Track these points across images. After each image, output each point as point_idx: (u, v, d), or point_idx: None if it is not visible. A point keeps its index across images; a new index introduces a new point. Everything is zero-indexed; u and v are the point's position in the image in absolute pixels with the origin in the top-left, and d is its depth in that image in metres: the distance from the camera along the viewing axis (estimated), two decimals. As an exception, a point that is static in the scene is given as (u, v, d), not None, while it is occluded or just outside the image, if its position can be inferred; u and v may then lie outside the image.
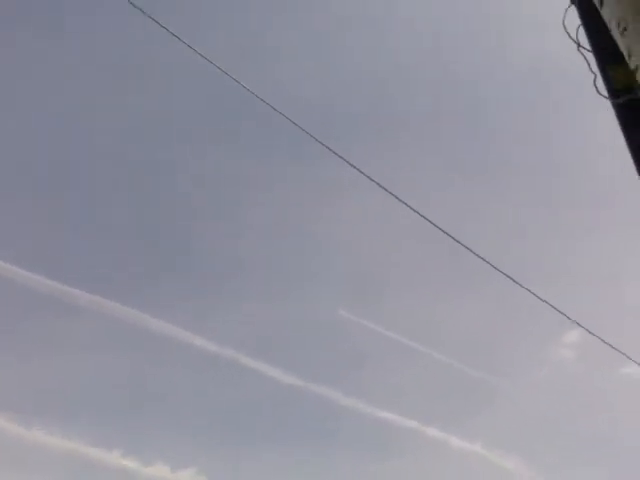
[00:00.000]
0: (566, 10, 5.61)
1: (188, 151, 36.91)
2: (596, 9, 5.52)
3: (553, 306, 7.69)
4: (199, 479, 28.45)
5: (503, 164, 39.01)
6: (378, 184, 6.92)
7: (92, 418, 29.97)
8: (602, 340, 8.81)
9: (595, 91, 5.46)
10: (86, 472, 27.64)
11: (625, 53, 5.19)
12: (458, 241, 7.14)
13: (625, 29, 5.15)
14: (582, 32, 5.57)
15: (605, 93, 5.49)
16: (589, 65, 5.52)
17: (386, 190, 6.87)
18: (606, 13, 5.35)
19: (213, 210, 37.14)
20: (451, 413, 32.95)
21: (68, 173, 35.79)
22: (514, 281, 7.36)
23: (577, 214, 37.45)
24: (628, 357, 8.89)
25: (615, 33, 5.21)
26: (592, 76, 5.48)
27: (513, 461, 29.72)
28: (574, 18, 5.60)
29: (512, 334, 35.64)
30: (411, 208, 7.25)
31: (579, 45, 5.57)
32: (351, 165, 6.55)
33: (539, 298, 7.53)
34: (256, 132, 37.24)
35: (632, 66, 5.10)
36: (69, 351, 32.18)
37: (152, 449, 28.70)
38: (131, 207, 36.66)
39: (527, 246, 36.28)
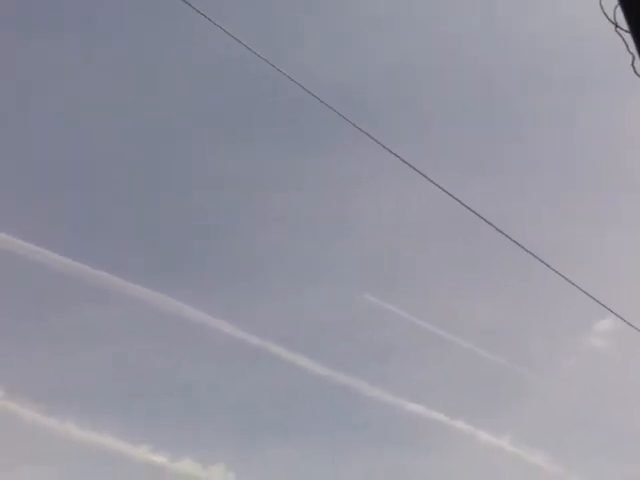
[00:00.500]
0: (603, -10, 5.51)
1: (219, 146, 37.16)
2: (634, -11, 5.42)
3: (586, 292, 7.59)
4: (228, 475, 28.31)
5: (535, 151, 38.61)
6: (406, 162, 6.86)
7: (121, 411, 29.89)
8: (635, 328, 8.71)
9: (633, 72, 5.37)
10: (115, 466, 27.76)
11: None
12: (489, 222, 7.06)
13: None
14: (620, 12, 5.47)
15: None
16: (627, 46, 5.42)
17: (415, 169, 6.80)
18: (645, -7, 5.26)
19: (244, 202, 37.33)
20: (479, 406, 32.30)
21: (108, 168, 36.24)
22: (546, 264, 7.27)
23: (614, 201, 36.78)
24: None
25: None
26: (630, 57, 5.39)
27: (541, 457, 29.11)
28: (611, -2, 5.50)
29: (542, 323, 34.93)
30: (438, 186, 7.17)
31: (617, 26, 5.48)
32: (380, 144, 6.51)
33: (572, 283, 7.44)
34: (281, 125, 37.48)
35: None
36: (100, 338, 32.08)
37: (181, 445, 28.80)
38: (164, 199, 37.17)
39: (561, 233, 35.68)
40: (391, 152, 6.85)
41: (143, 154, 36.91)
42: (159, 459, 27.43)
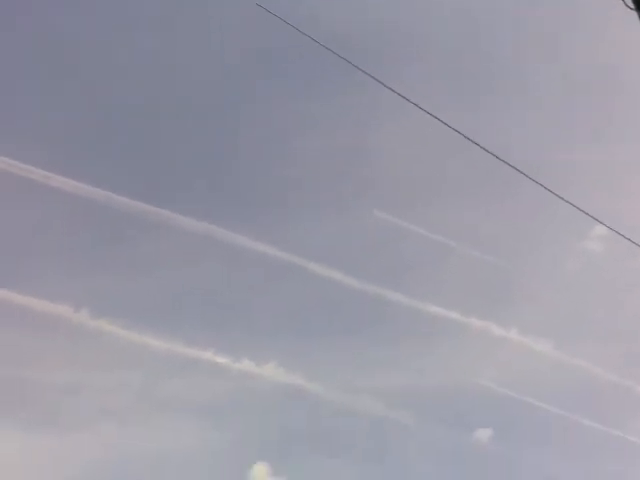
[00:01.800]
0: None
1: (254, 94, 39.92)
2: None
3: (577, 206, 8.23)
4: (279, 370, 34.43)
5: (528, 79, 41.18)
6: (410, 100, 7.32)
7: (188, 323, 36.36)
8: (620, 234, 9.39)
9: (624, 5, 5.82)
10: (186, 368, 34.62)
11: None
12: (488, 150, 7.58)
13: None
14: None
15: (632, 5, 5.85)
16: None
17: (419, 107, 7.25)
18: None
19: (278, 138, 40.58)
20: (489, 304, 38.67)
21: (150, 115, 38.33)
22: (542, 186, 7.86)
23: (606, 124, 40.47)
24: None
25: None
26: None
27: (544, 344, 35.06)
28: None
29: (543, 233, 39.90)
30: (440, 120, 7.65)
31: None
32: (390, 89, 6.94)
33: (565, 200, 8.06)
34: (304, 69, 40.26)
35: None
36: (158, 265, 39.26)
37: (239, 348, 34.90)
38: (204, 139, 39.96)
39: (558, 152, 39.08)
40: (394, 91, 7.28)
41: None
42: (222, 360, 33.94)
